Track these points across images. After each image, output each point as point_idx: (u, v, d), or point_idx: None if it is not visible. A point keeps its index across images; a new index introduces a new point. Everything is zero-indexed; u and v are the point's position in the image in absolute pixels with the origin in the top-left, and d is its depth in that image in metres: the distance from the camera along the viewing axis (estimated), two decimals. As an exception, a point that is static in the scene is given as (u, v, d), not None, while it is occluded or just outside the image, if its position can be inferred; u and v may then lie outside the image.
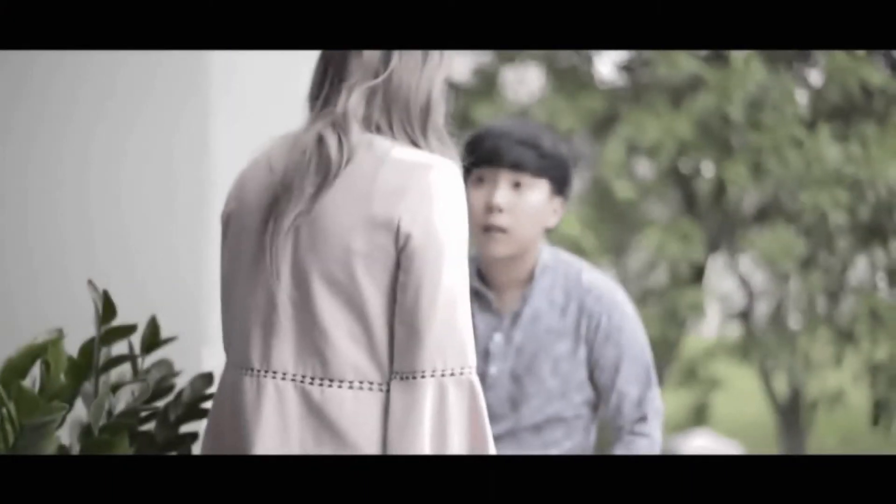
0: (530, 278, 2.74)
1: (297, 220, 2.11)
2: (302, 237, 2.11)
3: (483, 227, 2.68)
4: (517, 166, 2.66)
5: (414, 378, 2.07)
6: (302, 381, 2.11)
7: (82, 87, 3.19)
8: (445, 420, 2.07)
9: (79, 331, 2.54)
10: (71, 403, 2.46)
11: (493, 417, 2.74)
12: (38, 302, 3.14)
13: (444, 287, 2.07)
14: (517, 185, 2.67)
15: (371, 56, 2.15)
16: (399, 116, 2.16)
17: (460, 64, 6.80)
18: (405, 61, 2.16)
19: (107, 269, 3.04)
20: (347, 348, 2.09)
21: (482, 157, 2.67)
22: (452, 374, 2.07)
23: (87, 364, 2.48)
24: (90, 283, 2.47)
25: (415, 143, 2.16)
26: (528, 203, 2.67)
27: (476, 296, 2.76)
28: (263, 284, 2.14)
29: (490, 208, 2.66)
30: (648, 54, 5.48)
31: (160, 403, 2.57)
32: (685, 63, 5.26)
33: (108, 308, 2.46)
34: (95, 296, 2.46)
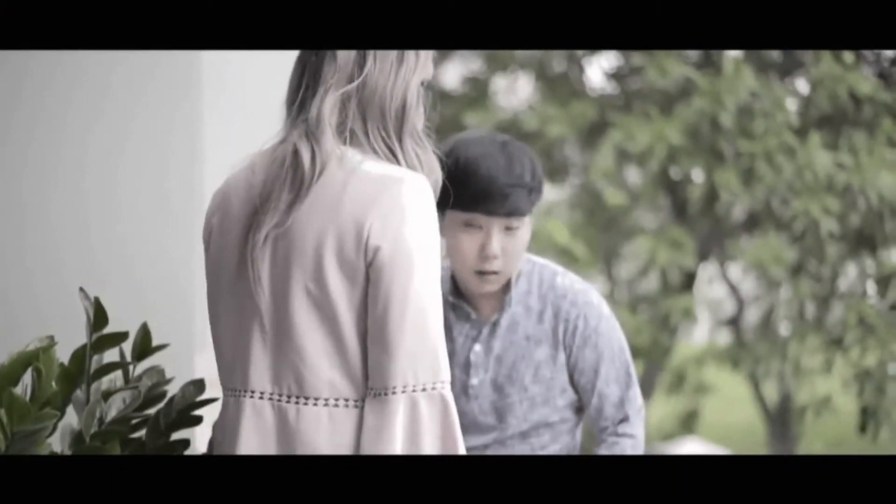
0: (507, 288, 2.74)
1: (272, 234, 2.10)
2: (278, 251, 2.10)
3: (477, 272, 2.66)
4: (512, 214, 2.64)
5: (386, 394, 2.05)
6: (279, 400, 2.11)
7: (75, 90, 3.19)
8: (418, 435, 2.06)
9: (70, 338, 2.53)
10: (62, 411, 2.45)
11: (480, 428, 2.75)
12: (30, 308, 3.13)
13: (414, 301, 2.05)
14: (509, 229, 2.65)
15: (346, 60, 2.14)
16: (374, 121, 2.14)
17: (451, 71, 6.81)
18: (380, 65, 2.14)
19: (98, 276, 3.03)
20: (322, 365, 2.08)
21: (472, 203, 2.61)
22: (424, 390, 2.06)
23: (79, 371, 2.48)
24: (81, 290, 2.47)
25: (390, 149, 2.14)
26: (520, 242, 2.66)
27: (453, 307, 2.76)
28: (245, 300, 2.13)
29: (485, 256, 2.65)
30: (639, 61, 5.49)
31: (152, 411, 2.57)
32: (675, 70, 5.28)
33: (99, 315, 2.46)
34: (87, 303, 2.46)
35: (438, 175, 2.20)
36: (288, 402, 2.10)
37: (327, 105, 2.12)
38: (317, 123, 2.11)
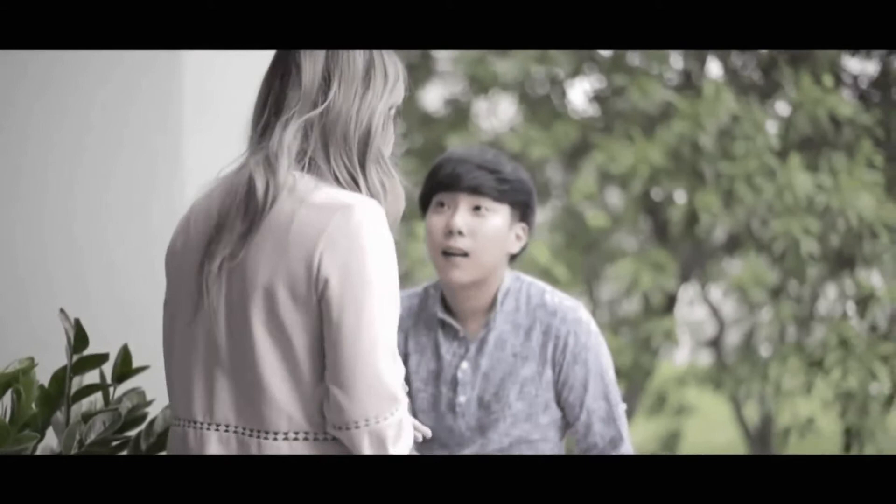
0: (494, 304, 2.75)
1: (226, 265, 2.07)
2: (234, 283, 2.07)
3: (442, 251, 2.68)
4: (476, 190, 2.68)
5: (348, 429, 2.03)
6: (243, 434, 2.08)
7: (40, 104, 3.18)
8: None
9: (50, 360, 2.53)
10: (42, 433, 2.44)
11: (463, 443, 2.74)
12: (9, 330, 3.12)
13: (366, 335, 2.01)
14: (477, 209, 2.68)
15: (310, 87, 2.11)
16: (336, 147, 2.11)
17: (432, 94, 6.83)
18: (344, 90, 2.12)
19: (78, 298, 3.03)
20: (281, 398, 2.05)
21: (442, 183, 2.69)
22: (386, 419, 2.03)
23: (59, 393, 2.47)
24: (62, 311, 2.46)
25: (352, 176, 2.11)
26: (489, 227, 2.68)
27: (442, 324, 2.77)
28: (202, 331, 2.10)
29: (450, 231, 2.67)
30: (620, 82, 5.51)
31: (132, 433, 2.56)
32: (656, 92, 5.30)
33: (79, 337, 2.45)
34: (67, 325, 2.45)
35: (402, 204, 2.17)
36: (251, 435, 2.07)
37: (289, 133, 2.09)
38: (276, 153, 2.08)
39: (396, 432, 2.04)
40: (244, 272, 2.05)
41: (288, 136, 2.09)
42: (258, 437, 2.07)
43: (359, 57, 2.14)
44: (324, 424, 2.06)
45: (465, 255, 2.67)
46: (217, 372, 2.09)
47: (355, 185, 2.11)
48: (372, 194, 2.11)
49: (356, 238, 2.02)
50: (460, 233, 2.66)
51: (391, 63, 2.17)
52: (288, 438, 2.06)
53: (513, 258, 2.77)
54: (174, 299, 2.16)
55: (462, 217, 2.67)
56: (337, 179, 2.10)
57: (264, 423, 2.06)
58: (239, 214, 2.07)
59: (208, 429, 2.10)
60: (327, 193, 2.06)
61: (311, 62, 2.12)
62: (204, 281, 2.08)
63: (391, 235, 2.07)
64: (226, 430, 2.09)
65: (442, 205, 2.70)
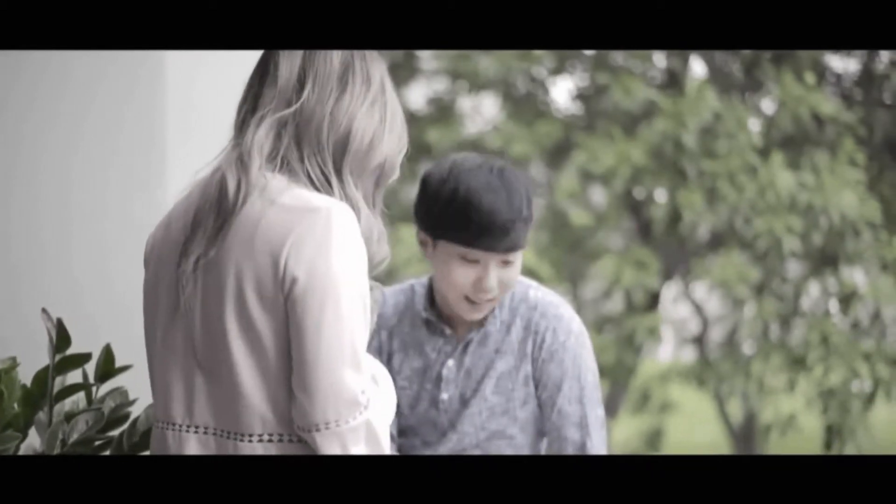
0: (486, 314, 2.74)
1: (200, 263, 2.05)
2: (209, 282, 2.05)
3: (470, 301, 2.64)
4: (510, 250, 2.62)
5: (310, 432, 2.01)
6: (220, 436, 2.06)
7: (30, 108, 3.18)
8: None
9: (33, 359, 2.52)
10: (24, 433, 2.44)
11: (444, 437, 2.74)
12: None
13: (328, 336, 1.99)
14: (506, 263, 2.63)
15: (286, 86, 2.09)
16: (310, 148, 2.08)
17: (416, 92, 6.83)
18: (318, 90, 2.09)
19: (60, 297, 3.02)
20: (254, 400, 2.03)
21: (471, 238, 2.56)
22: (348, 422, 2.01)
23: (41, 393, 2.47)
24: (44, 311, 2.46)
25: (327, 179, 2.07)
26: (515, 272, 2.64)
27: (426, 323, 2.76)
28: (180, 331, 2.09)
29: (481, 289, 2.62)
30: (603, 80, 5.52)
31: (115, 432, 2.55)
32: (639, 91, 5.31)
33: (62, 337, 2.45)
34: (49, 324, 2.45)
35: (387, 250, 2.13)
36: (227, 438, 2.06)
37: (262, 131, 2.07)
38: (249, 151, 2.06)
39: (363, 435, 2.03)
40: (217, 272, 2.04)
41: (261, 135, 2.07)
42: (234, 439, 2.05)
43: (335, 58, 2.12)
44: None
45: (492, 301, 2.65)
46: (195, 373, 2.07)
47: (329, 188, 2.07)
48: (347, 201, 2.07)
49: (324, 240, 2.00)
50: (492, 288, 2.63)
51: (377, 72, 2.14)
52: (262, 440, 2.04)
53: None
54: (154, 300, 2.14)
55: (494, 275, 2.62)
56: (311, 180, 2.08)
57: (239, 424, 2.04)
58: (212, 213, 2.05)
59: (188, 431, 2.08)
60: (298, 195, 2.04)
61: (288, 61, 2.11)
62: (180, 280, 2.07)
63: (361, 240, 2.04)
64: (205, 433, 2.07)
65: (468, 258, 2.60)
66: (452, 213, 2.56)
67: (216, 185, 2.06)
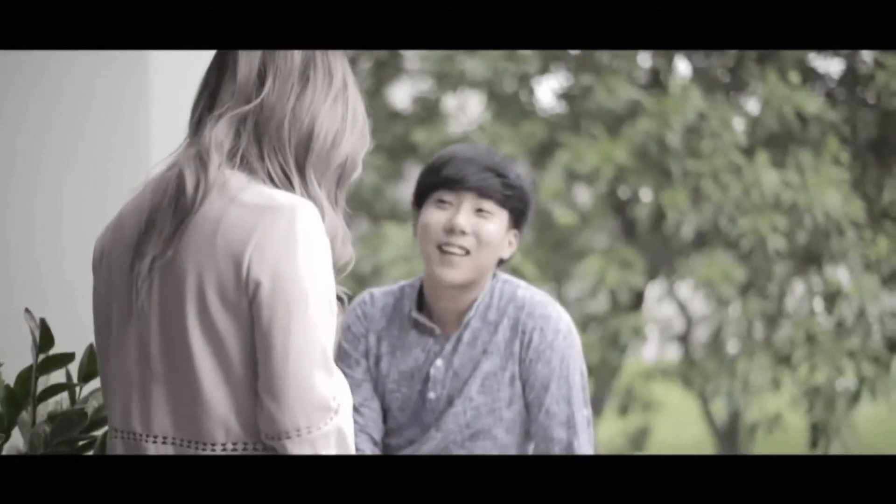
0: (471, 305, 2.74)
1: (157, 265, 1.97)
2: (166, 285, 1.97)
3: (441, 247, 2.65)
4: (483, 192, 2.65)
5: (280, 439, 1.95)
6: (181, 445, 1.99)
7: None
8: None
9: (16, 359, 2.51)
10: (8, 433, 2.43)
11: (428, 436, 2.74)
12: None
13: (297, 341, 1.92)
14: (480, 211, 2.66)
15: (245, 81, 2.03)
16: (270, 145, 2.01)
17: (401, 91, 6.83)
18: (279, 87, 2.02)
19: (44, 297, 3.01)
20: (217, 407, 1.96)
21: (446, 180, 2.65)
22: (319, 429, 1.95)
23: (25, 393, 2.46)
24: (27, 311, 2.45)
25: (288, 177, 2.00)
26: (491, 229, 2.66)
27: (415, 324, 2.76)
28: (135, 336, 2.00)
29: (452, 230, 2.64)
30: (588, 81, 5.52)
31: (98, 432, 2.54)
32: (624, 91, 5.31)
33: (45, 336, 2.44)
34: (33, 324, 2.44)
35: (351, 251, 2.07)
36: (189, 447, 1.98)
37: (221, 128, 2.00)
38: (208, 148, 1.98)
39: (333, 441, 1.97)
40: (175, 274, 1.96)
41: (220, 132, 2.00)
42: (195, 448, 1.98)
43: (296, 53, 2.06)
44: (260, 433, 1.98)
45: (467, 253, 2.65)
46: (152, 380, 1.99)
47: (290, 187, 2.01)
48: (309, 199, 2.00)
49: (288, 240, 1.93)
50: (463, 231, 2.64)
51: (338, 68, 2.08)
52: (226, 449, 1.97)
53: (500, 263, 2.75)
54: (106, 304, 2.06)
55: (466, 216, 2.65)
56: (271, 178, 2.01)
57: (202, 433, 1.97)
58: (168, 212, 1.97)
59: (146, 440, 2.01)
60: (259, 192, 1.97)
61: (248, 56, 2.05)
62: (134, 283, 1.99)
63: (327, 239, 1.98)
64: (164, 442, 2.00)
65: (443, 202, 2.67)
66: (433, 167, 2.69)
67: (173, 183, 1.99)
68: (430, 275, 2.70)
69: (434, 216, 2.66)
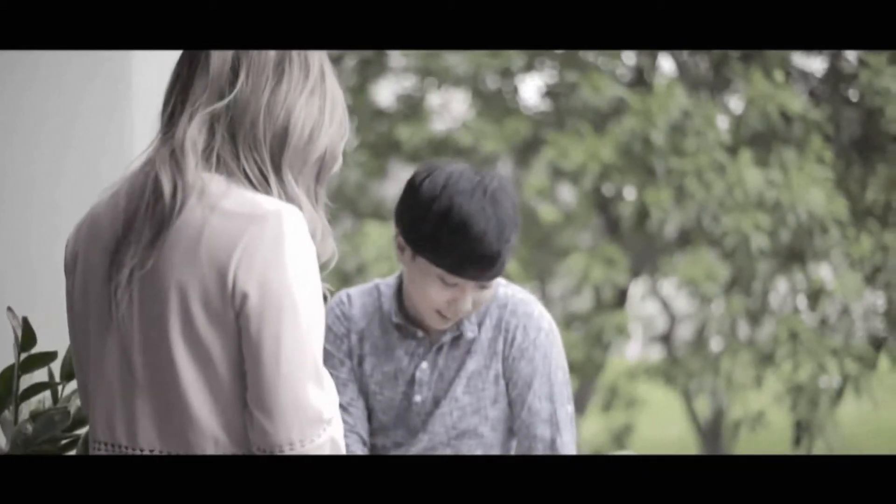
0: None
1: (136, 274, 1.89)
2: (146, 295, 1.90)
3: (440, 311, 2.61)
4: (492, 279, 2.59)
5: (273, 453, 1.90)
6: None
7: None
8: None
9: (-2, 358, 2.50)
10: (-11, 432, 2.42)
11: (415, 438, 2.74)
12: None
13: (287, 353, 1.86)
14: (483, 287, 2.61)
15: (217, 75, 1.94)
16: (245, 143, 1.92)
17: (385, 88, 6.82)
18: (253, 81, 1.93)
19: (27, 295, 2.99)
20: (205, 420, 1.90)
21: (455, 266, 2.52)
22: (313, 441, 1.90)
23: (6, 392, 2.44)
24: (9, 309, 2.44)
25: (264, 177, 1.92)
26: (489, 293, 2.62)
27: (397, 327, 2.75)
28: (116, 347, 1.93)
29: (455, 310, 2.59)
30: (572, 78, 5.53)
31: (81, 431, 2.54)
32: (608, 88, 5.32)
33: (27, 335, 2.42)
34: (15, 323, 2.43)
35: (333, 247, 1.99)
36: None
37: (194, 126, 1.92)
38: (182, 148, 1.90)
39: (328, 452, 1.92)
40: (156, 284, 1.89)
41: (193, 130, 1.91)
42: None
43: None
44: (249, 446, 1.93)
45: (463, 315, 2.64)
46: (136, 392, 1.93)
47: (267, 186, 1.92)
48: (288, 199, 1.93)
49: (275, 249, 1.86)
50: (466, 311, 2.61)
51: (315, 59, 2.00)
52: None
53: None
54: (82, 312, 1.99)
55: (471, 298, 2.59)
56: (248, 179, 1.92)
57: (189, 447, 1.92)
58: (147, 219, 1.89)
59: (132, 453, 1.95)
60: (242, 199, 1.89)
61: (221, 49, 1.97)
62: (113, 293, 1.91)
63: (313, 246, 1.91)
64: (150, 455, 1.94)
65: (447, 281, 2.55)
66: (440, 236, 2.52)
67: (150, 188, 1.91)
68: (423, 318, 2.67)
69: (436, 292, 2.56)
